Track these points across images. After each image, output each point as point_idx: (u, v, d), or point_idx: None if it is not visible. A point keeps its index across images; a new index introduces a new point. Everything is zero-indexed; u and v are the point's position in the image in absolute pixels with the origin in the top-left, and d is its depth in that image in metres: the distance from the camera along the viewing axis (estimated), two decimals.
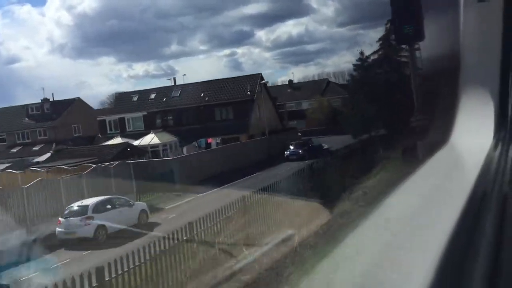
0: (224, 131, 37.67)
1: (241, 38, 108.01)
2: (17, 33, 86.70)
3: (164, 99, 43.21)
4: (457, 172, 2.60)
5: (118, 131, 41.89)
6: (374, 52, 31.63)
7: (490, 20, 2.93)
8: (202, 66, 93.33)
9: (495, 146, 2.52)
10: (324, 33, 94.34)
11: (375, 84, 29.63)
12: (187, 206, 20.39)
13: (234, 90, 41.57)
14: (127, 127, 43.21)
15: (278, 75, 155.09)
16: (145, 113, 42.82)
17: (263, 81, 42.66)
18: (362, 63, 32.38)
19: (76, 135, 46.57)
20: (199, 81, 44.92)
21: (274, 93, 49.38)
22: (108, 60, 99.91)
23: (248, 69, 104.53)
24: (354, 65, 33.23)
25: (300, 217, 13.16)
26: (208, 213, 12.27)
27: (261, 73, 43.82)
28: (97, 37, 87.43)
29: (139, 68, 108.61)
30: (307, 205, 13.97)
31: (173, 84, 45.97)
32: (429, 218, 1.90)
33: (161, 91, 44.47)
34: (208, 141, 37.33)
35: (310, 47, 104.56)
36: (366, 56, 32.28)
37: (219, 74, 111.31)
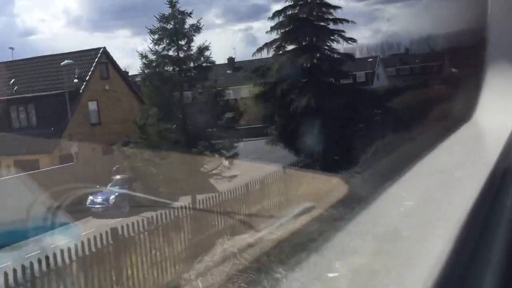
0: (21, 147, 20.57)
1: (257, 12, 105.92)
2: (32, 5, 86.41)
3: None
4: (480, 148, 2.62)
5: None
6: (278, 12, 17.14)
7: None
8: (217, 40, 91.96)
9: None
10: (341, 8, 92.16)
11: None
12: None
13: (51, 75, 23.39)
14: None
15: None
16: None
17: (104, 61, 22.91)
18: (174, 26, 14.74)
19: None
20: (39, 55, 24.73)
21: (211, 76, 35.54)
22: (124, 33, 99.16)
23: None
24: (151, 31, 14.59)
25: None
26: None
27: (103, 48, 23.75)
28: (113, 10, 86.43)
29: None
30: None
31: None
32: (450, 192, 1.95)
33: None
34: None
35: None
36: (184, 11, 14.75)
37: (235, 49, 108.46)
